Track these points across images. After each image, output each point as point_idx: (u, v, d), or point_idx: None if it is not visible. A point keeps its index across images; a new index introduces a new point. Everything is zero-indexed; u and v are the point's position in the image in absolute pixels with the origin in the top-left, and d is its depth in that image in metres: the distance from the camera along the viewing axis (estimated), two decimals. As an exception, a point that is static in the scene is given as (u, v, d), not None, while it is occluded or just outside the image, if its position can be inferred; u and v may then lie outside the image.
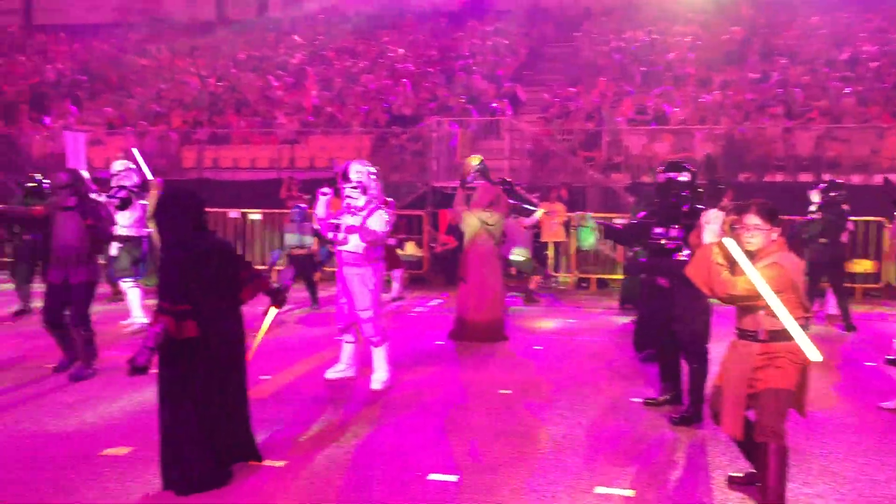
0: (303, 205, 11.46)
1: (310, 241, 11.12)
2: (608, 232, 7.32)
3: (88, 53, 25.81)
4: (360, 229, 6.73)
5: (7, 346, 8.33)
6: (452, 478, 4.80)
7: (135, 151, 10.35)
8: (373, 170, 6.99)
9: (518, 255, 11.19)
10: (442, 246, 14.14)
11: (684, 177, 6.12)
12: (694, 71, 18.81)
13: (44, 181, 10.12)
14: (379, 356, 6.89)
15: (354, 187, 6.79)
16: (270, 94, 20.62)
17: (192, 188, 4.97)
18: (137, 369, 4.36)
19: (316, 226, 10.91)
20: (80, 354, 7.15)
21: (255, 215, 15.06)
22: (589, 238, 13.37)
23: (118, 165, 9.61)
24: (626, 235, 7.10)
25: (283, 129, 18.30)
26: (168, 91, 21.74)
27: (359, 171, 6.85)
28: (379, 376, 6.86)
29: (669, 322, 6.04)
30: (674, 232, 6.04)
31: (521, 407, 6.37)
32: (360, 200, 6.81)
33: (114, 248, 9.28)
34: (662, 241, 6.09)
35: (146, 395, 6.39)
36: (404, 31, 24.93)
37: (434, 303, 12.23)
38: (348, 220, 6.83)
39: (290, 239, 11.15)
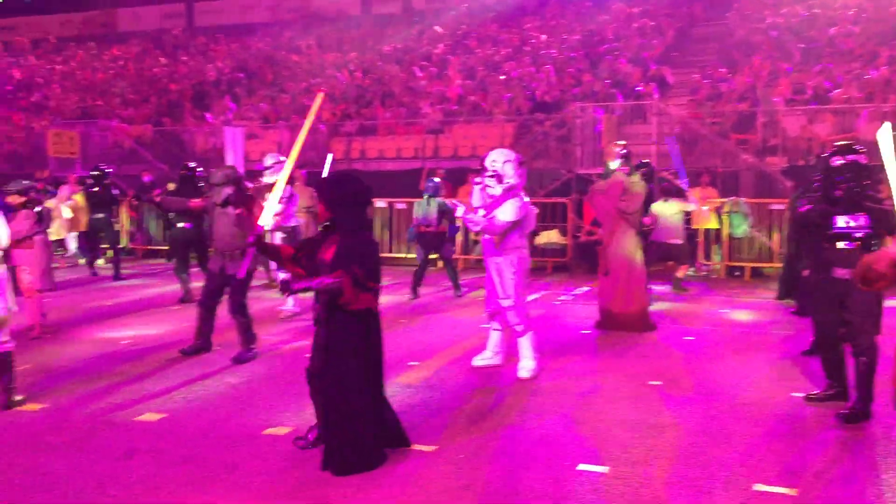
0: (436, 179, 11.45)
1: (433, 218, 11.02)
2: (801, 215, 6.62)
3: (245, 52, 27.12)
4: (466, 218, 6.73)
5: (176, 329, 8.88)
6: (603, 469, 4.72)
7: (329, 157, 11.05)
8: (512, 157, 6.85)
9: (673, 239, 10.83)
10: (587, 235, 13.91)
11: (863, 159, 5.71)
12: (858, 46, 17.61)
13: (197, 169, 10.61)
14: (524, 344, 6.87)
15: (491, 176, 6.76)
16: (414, 84, 20.96)
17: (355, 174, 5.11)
18: (288, 288, 4.58)
19: (448, 204, 10.96)
20: (240, 339, 7.54)
21: (401, 204, 15.36)
22: (742, 224, 12.93)
23: (269, 159, 10.03)
24: (812, 221, 6.37)
25: (426, 119, 18.57)
26: (318, 85, 22.52)
27: (494, 159, 6.78)
28: (525, 364, 6.85)
29: (841, 315, 5.68)
30: (861, 220, 5.64)
31: (671, 398, 6.19)
32: (497, 189, 6.77)
33: (276, 238, 9.71)
34: (847, 231, 5.68)
35: (302, 376, 6.67)
36: (547, 17, 24.73)
37: (578, 291, 12.08)
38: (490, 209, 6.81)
39: (417, 213, 11.17)
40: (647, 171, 10.00)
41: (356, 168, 18.17)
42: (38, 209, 8.48)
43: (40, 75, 28.41)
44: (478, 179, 7.00)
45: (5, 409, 5.86)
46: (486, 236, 6.89)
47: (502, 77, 20.15)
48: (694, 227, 13.50)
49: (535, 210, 7.20)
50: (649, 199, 9.62)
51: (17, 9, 35.27)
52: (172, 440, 5.23)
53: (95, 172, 13.77)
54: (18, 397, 5.99)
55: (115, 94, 25.26)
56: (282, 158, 10.16)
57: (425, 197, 11.10)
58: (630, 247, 8.67)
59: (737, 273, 13.52)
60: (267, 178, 9.82)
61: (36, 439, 5.23)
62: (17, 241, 8.19)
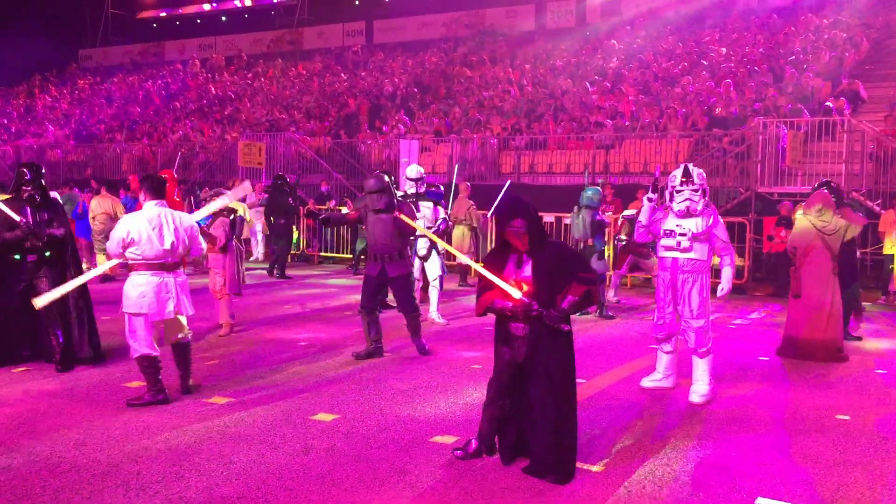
0: (597, 188, 11.19)
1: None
2: None
3: (420, 67, 27.88)
4: (703, 236, 6.56)
5: (348, 333, 9.20)
6: (784, 505, 4.45)
7: (457, 167, 11.21)
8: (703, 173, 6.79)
9: None
10: (779, 242, 13.11)
11: None
12: None
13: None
14: (702, 368, 6.61)
15: (696, 190, 6.59)
16: (586, 99, 20.77)
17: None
18: (560, 320, 4.70)
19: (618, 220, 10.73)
20: (412, 334, 8.03)
21: (569, 219, 15.19)
22: (943, 251, 11.81)
23: (414, 171, 10.21)
24: None
25: (598, 134, 18.34)
26: (489, 100, 22.78)
27: (700, 173, 6.65)
28: (700, 389, 6.58)
29: None
30: None
31: (862, 435, 5.74)
32: (700, 204, 6.60)
33: (422, 248, 9.94)
34: None
35: (468, 386, 6.73)
36: (728, 30, 23.84)
37: (755, 315, 11.49)
38: (690, 224, 6.62)
39: (575, 232, 10.94)
40: (833, 190, 9.33)
41: (524, 182, 18.22)
42: (231, 217, 9.06)
43: (232, 90, 30.46)
44: (651, 195, 6.84)
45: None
46: (684, 255, 6.63)
47: (678, 91, 19.58)
48: (886, 252, 12.54)
49: None
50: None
51: (214, 29, 38.13)
52: (345, 440, 5.40)
53: (279, 181, 14.64)
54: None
55: (298, 107, 26.67)
56: (422, 171, 10.33)
57: (576, 209, 10.92)
58: (825, 270, 8.16)
59: (936, 304, 12.40)
60: (410, 189, 10.03)
61: (223, 430, 5.57)
62: (213, 248, 8.83)
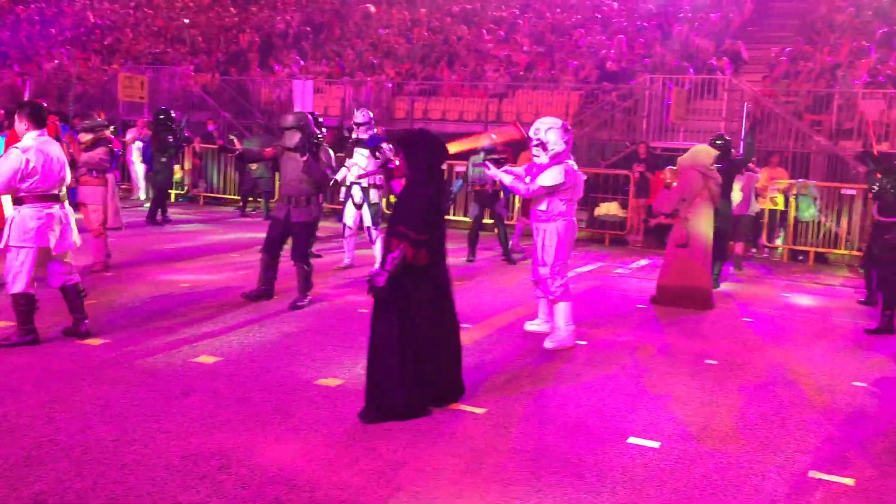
0: (493, 136, 11.28)
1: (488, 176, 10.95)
2: None
3: (313, 5, 27.07)
4: (512, 186, 6.80)
5: (233, 276, 9.02)
6: (654, 444, 4.67)
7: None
8: (557, 125, 6.68)
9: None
10: (664, 216, 13.50)
11: None
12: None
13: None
14: (556, 314, 6.79)
15: (536, 145, 6.70)
16: (481, 47, 20.73)
17: (435, 134, 5.16)
18: (376, 289, 4.69)
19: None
20: (299, 286, 7.67)
21: (461, 167, 15.24)
22: (810, 208, 12.57)
23: (360, 116, 9.83)
24: None
25: (491, 83, 18.39)
26: (383, 43, 22.42)
27: (537, 128, 6.70)
28: (555, 335, 6.76)
29: None
30: None
31: (728, 379, 6.08)
32: (543, 158, 6.69)
33: (357, 195, 9.66)
34: None
35: (354, 330, 6.72)
36: (621, -15, 24.14)
37: (635, 264, 11.91)
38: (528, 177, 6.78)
39: (475, 173, 11.02)
40: (724, 145, 9.64)
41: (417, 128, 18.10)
42: (109, 146, 8.62)
43: (113, 19, 28.80)
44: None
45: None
46: (542, 207, 6.78)
47: (572, 43, 19.80)
48: (759, 207, 13.17)
49: (584, 177, 7.02)
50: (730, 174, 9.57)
51: (94, -48, 35.73)
52: (227, 383, 5.32)
53: (161, 116, 13.81)
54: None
55: (184, 41, 25.50)
56: (370, 114, 9.99)
57: (481, 154, 10.90)
58: (706, 221, 8.54)
59: (800, 258, 13.16)
60: (358, 135, 9.68)
61: (98, 373, 5.38)
62: (88, 170, 8.37)
